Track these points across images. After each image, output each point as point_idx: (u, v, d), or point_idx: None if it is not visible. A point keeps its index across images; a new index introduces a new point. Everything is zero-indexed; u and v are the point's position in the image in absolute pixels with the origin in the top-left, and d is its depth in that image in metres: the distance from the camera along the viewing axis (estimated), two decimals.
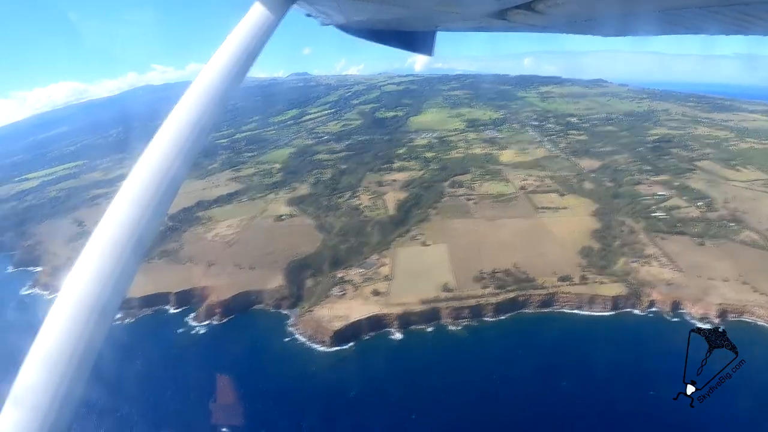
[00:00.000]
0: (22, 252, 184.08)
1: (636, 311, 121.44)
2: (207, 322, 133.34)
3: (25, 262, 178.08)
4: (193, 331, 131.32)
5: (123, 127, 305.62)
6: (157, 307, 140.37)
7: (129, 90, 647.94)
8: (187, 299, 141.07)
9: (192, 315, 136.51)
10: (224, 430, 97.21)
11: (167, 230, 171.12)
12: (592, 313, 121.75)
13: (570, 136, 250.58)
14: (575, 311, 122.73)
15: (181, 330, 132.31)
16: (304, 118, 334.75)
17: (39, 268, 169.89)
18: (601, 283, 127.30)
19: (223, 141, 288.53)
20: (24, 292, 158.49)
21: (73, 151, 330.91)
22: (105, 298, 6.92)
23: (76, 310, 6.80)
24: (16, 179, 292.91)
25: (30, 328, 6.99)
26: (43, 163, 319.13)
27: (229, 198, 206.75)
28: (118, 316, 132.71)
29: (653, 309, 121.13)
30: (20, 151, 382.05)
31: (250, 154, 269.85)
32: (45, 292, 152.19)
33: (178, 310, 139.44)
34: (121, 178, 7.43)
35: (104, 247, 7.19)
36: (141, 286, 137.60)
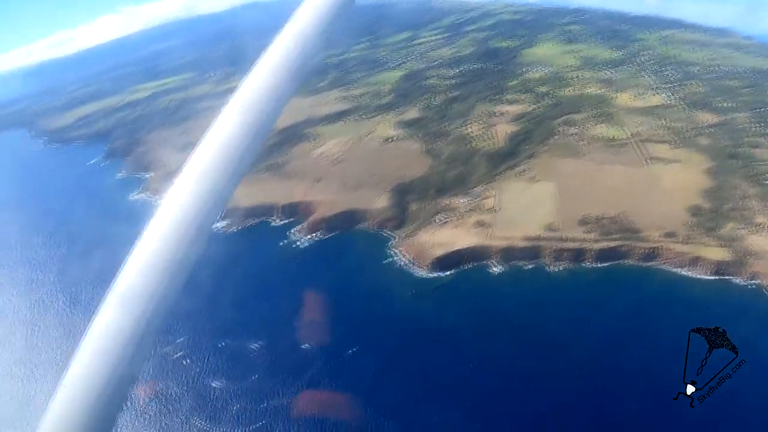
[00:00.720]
0: (133, 158, 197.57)
1: (737, 280, 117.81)
2: (310, 237, 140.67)
3: (135, 168, 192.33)
4: (295, 245, 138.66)
5: (231, 42, 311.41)
6: (262, 218, 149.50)
7: (239, 6, 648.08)
8: (292, 213, 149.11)
9: (296, 228, 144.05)
10: (305, 345, 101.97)
11: (274, 145, 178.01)
12: (693, 275, 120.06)
13: (689, 86, 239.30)
14: (676, 269, 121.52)
15: (284, 242, 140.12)
16: (415, 42, 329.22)
17: (149, 174, 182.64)
18: (706, 245, 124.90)
19: (333, 60, 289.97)
20: (133, 196, 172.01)
21: (183, 65, 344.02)
22: (204, 213, 7.29)
23: (175, 222, 7.21)
24: (128, 90, 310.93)
25: (136, 233, 7.47)
26: (154, 75, 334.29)
27: (337, 117, 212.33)
28: (224, 223, 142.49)
29: (755, 281, 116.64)
30: (132, 64, 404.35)
31: (359, 74, 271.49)
32: (154, 197, 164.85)
33: (282, 223, 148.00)
34: (230, 91, 7.92)
35: (206, 162, 7.54)
36: (247, 197, 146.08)
